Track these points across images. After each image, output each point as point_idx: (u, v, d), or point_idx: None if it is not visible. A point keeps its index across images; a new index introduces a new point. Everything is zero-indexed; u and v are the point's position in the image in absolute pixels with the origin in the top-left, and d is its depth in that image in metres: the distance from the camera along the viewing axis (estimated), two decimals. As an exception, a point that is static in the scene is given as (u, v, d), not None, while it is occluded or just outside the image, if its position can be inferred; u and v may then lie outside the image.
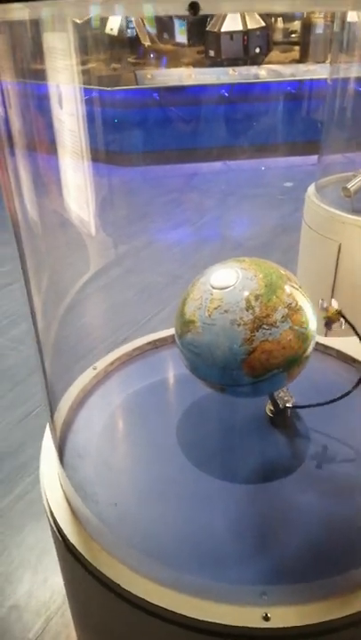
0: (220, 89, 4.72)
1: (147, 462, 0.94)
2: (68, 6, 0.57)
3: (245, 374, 0.81)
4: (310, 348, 0.86)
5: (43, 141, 0.89)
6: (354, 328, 0.92)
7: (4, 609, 1.61)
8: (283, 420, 1.01)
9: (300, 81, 4.82)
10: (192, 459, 0.92)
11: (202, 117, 4.82)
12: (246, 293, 0.81)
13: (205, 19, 6.22)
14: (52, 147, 0.81)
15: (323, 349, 1.21)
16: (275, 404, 1.00)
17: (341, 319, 0.93)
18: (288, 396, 1.03)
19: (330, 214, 1.91)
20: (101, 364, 1.15)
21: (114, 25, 5.96)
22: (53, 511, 0.85)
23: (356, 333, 0.93)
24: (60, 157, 0.81)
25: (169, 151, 4.61)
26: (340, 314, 0.92)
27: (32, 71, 0.79)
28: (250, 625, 0.67)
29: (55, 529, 0.85)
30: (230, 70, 4.72)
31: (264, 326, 0.79)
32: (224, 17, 5.90)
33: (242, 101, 4.77)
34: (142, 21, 6.43)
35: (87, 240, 1.16)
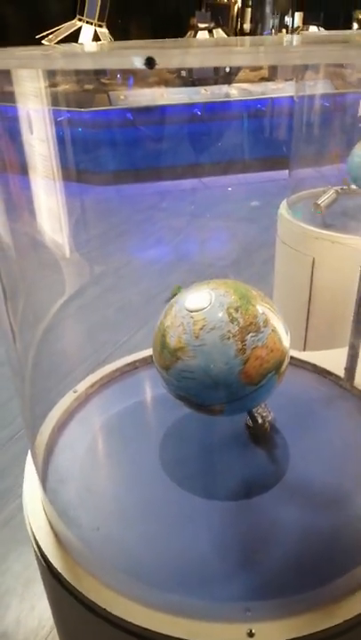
0: (192, 108, 4.81)
1: (129, 484, 0.95)
2: (35, 60, 0.60)
3: (244, 384, 0.83)
4: (289, 346, 0.89)
5: (14, 164, 0.91)
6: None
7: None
8: (262, 435, 1.02)
9: (269, 99, 4.94)
10: (174, 478, 0.93)
11: (175, 136, 4.89)
12: (226, 307, 0.83)
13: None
14: (23, 170, 0.83)
15: (299, 364, 1.23)
16: (253, 420, 1.01)
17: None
18: (266, 411, 1.05)
19: (302, 230, 1.96)
20: (82, 386, 1.15)
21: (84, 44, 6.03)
22: (37, 536, 0.85)
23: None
24: (31, 181, 0.83)
25: (143, 170, 4.66)
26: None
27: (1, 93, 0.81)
28: (235, 641, 0.68)
29: (39, 554, 0.85)
30: (202, 90, 4.81)
31: (251, 334, 0.82)
32: (195, 34, 6.04)
33: (214, 120, 4.86)
34: (114, 42, 6.52)
35: (62, 262, 1.17)
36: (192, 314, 0.84)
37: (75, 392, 1.14)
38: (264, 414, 1.05)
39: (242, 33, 9.10)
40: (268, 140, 4.61)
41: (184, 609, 0.72)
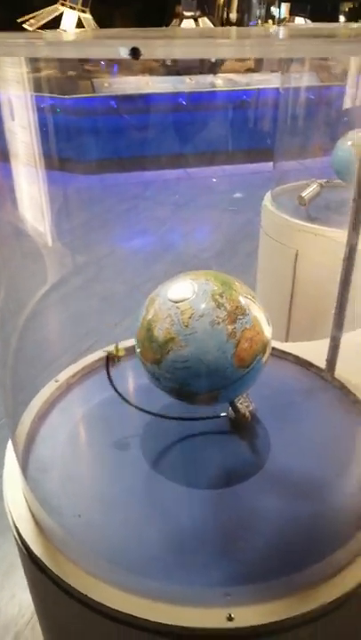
0: (177, 97, 4.78)
1: (110, 472, 0.95)
2: (19, 48, 0.59)
3: (237, 368, 0.85)
4: (270, 336, 0.91)
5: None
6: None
7: None
8: (243, 426, 1.03)
9: (255, 90, 4.93)
10: (155, 467, 0.94)
11: (160, 125, 4.86)
12: (210, 294, 0.85)
13: (166, 26, 6.28)
14: (4, 157, 0.82)
15: (281, 355, 1.24)
16: (235, 410, 1.02)
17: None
18: (248, 401, 1.06)
19: (286, 222, 1.97)
20: (63, 376, 1.15)
21: (67, 29, 5.94)
22: (17, 525, 0.85)
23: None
24: (13, 168, 0.82)
25: (127, 159, 4.62)
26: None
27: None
28: (214, 626, 0.69)
29: (20, 542, 0.85)
30: (187, 79, 4.78)
31: (239, 317, 0.84)
32: (180, 22, 5.99)
33: (199, 109, 4.83)
34: (96, 28, 6.43)
35: (44, 250, 1.16)
36: (178, 304, 0.85)
37: (56, 381, 1.14)
38: (245, 404, 1.06)
39: (228, 22, 9.04)
40: (252, 132, 4.61)
41: (164, 594, 0.73)
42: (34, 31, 5.96)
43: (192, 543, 0.81)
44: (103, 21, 6.69)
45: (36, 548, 0.81)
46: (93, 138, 4.87)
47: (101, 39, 0.78)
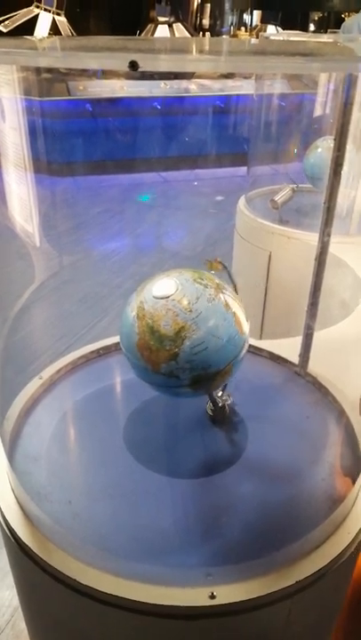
0: (152, 101, 4.83)
1: (95, 464, 0.99)
2: (17, 56, 0.62)
3: (239, 334, 0.91)
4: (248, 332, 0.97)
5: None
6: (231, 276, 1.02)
7: None
8: (222, 417, 1.08)
9: (228, 95, 5.01)
10: (139, 458, 0.98)
11: (134, 129, 4.90)
12: (192, 280, 0.90)
13: (139, 33, 6.32)
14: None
15: (256, 351, 1.30)
16: (214, 403, 1.07)
17: (221, 266, 1.02)
18: (226, 395, 1.11)
19: (260, 225, 2.03)
20: (47, 372, 1.18)
21: (42, 32, 5.93)
22: (5, 514, 0.88)
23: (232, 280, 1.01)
24: (2, 167, 0.85)
25: (102, 162, 4.65)
26: (221, 263, 1.02)
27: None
28: (197, 604, 0.73)
29: (7, 531, 0.88)
30: (162, 84, 4.83)
31: (223, 290, 0.92)
32: (154, 28, 6.04)
33: (173, 114, 4.89)
34: (71, 31, 6.43)
35: (16, 254, 1.18)
36: (171, 297, 0.88)
37: (40, 378, 1.17)
38: (224, 398, 1.11)
39: (201, 28, 9.15)
40: (226, 137, 4.68)
41: (149, 576, 0.76)
42: (9, 33, 5.93)
43: (174, 528, 0.85)
44: (78, 24, 6.71)
45: (24, 536, 0.84)
46: (67, 140, 4.87)
47: (89, 49, 0.82)
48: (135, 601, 0.74)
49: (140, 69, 0.46)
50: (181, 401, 1.09)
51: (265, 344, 1.32)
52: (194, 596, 0.74)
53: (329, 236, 1.07)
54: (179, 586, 0.75)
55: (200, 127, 5.00)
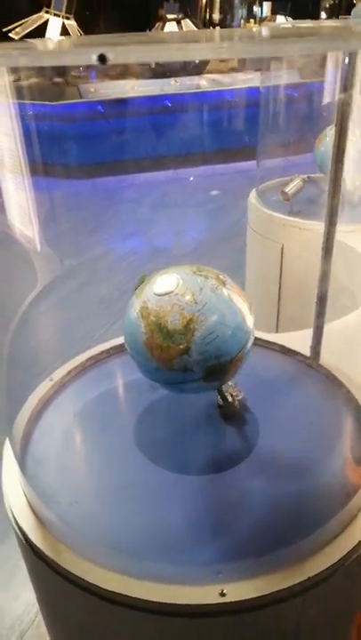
0: (163, 99, 4.82)
1: (105, 463, 0.99)
2: None
3: (245, 321, 0.90)
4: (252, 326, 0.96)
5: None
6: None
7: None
8: (233, 414, 1.07)
9: (239, 89, 4.97)
10: (149, 457, 0.97)
11: (147, 128, 4.90)
12: (192, 273, 0.90)
13: (149, 29, 6.31)
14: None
15: (268, 345, 1.28)
16: (224, 398, 1.06)
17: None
18: (237, 390, 1.10)
19: (271, 217, 2.01)
20: (58, 374, 1.18)
21: (52, 37, 5.98)
22: (17, 519, 0.89)
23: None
24: None
25: (116, 162, 4.66)
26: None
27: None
28: (208, 602, 0.73)
29: (21, 535, 0.88)
30: (172, 81, 4.82)
31: (224, 280, 0.91)
32: (163, 25, 6.03)
33: (185, 111, 4.87)
34: (81, 34, 6.46)
35: (34, 255, 1.19)
36: (174, 292, 0.88)
37: (51, 380, 1.17)
38: (234, 393, 1.09)
39: (211, 23, 9.10)
40: (238, 131, 4.65)
41: (158, 575, 0.76)
42: (20, 39, 6.00)
43: (185, 526, 0.85)
44: (88, 27, 6.74)
45: (35, 538, 0.84)
46: (81, 143, 4.90)
47: (77, 46, 0.82)
48: (144, 600, 0.74)
49: (108, 63, 0.46)
50: (191, 398, 1.09)
51: (277, 337, 1.30)
52: (204, 594, 0.74)
53: (334, 225, 1.05)
54: (189, 584, 0.75)
55: (212, 122, 4.97)
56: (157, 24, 6.08)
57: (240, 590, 0.74)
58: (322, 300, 1.16)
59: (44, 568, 0.85)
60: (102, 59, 0.45)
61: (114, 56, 0.46)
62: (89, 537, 0.83)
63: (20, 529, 0.89)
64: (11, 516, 0.92)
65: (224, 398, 1.06)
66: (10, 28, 5.89)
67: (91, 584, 0.77)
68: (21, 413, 1.08)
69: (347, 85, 0.92)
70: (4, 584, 1.71)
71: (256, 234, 2.15)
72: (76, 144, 4.82)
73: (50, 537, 0.85)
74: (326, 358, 1.20)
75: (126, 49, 0.54)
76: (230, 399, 1.07)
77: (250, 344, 0.93)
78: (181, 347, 0.86)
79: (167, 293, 0.87)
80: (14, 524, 0.91)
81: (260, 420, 1.06)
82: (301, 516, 0.85)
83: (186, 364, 0.87)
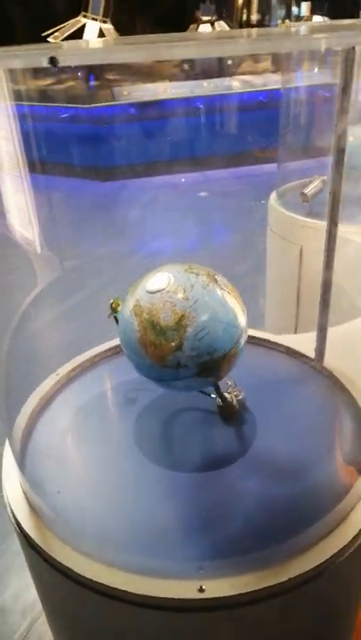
0: (194, 101, 4.84)
1: (101, 457, 1.01)
2: None
3: (237, 317, 0.91)
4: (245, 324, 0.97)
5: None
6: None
7: (-9, 614, 1.66)
8: (232, 414, 1.07)
9: (272, 90, 4.94)
10: (145, 452, 0.99)
11: (178, 130, 4.92)
12: (184, 270, 0.91)
13: (183, 31, 6.34)
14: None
15: (273, 346, 1.28)
16: (222, 398, 1.06)
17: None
18: (237, 390, 1.10)
19: (290, 219, 1.99)
20: (64, 369, 1.21)
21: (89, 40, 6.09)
22: (13, 507, 0.92)
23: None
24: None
25: (147, 164, 4.70)
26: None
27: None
28: (186, 597, 0.73)
29: (15, 523, 0.91)
30: (204, 83, 4.83)
31: (215, 277, 0.92)
32: (196, 29, 6.05)
33: (216, 112, 4.88)
34: (119, 37, 6.55)
35: (33, 257, 1.21)
36: (166, 289, 0.89)
37: (57, 375, 1.20)
38: (235, 393, 1.10)
39: (248, 24, 9.06)
40: (267, 132, 4.61)
41: (142, 568, 0.77)
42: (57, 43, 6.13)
43: (172, 521, 0.86)
44: (124, 29, 6.82)
45: (28, 527, 0.87)
46: (113, 145, 4.96)
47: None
48: (122, 590, 0.75)
49: (58, 65, 0.47)
50: (192, 397, 1.09)
51: (284, 339, 1.30)
52: (183, 589, 0.74)
53: (336, 225, 1.04)
54: (169, 578, 0.76)
55: (243, 123, 4.95)
56: (191, 26, 6.10)
57: (219, 587, 0.74)
58: (325, 302, 1.15)
59: (33, 554, 0.87)
60: (53, 61, 0.47)
61: (63, 59, 0.47)
62: (75, 525, 0.85)
63: (15, 517, 0.91)
64: (7, 503, 0.95)
65: (223, 398, 1.07)
66: (49, 32, 6.03)
67: (76, 573, 0.79)
68: (26, 405, 1.11)
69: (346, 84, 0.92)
70: (18, 571, 1.75)
71: (276, 235, 2.14)
72: (108, 146, 4.89)
73: (40, 524, 0.88)
74: (332, 361, 1.19)
75: (77, 52, 0.55)
76: (230, 399, 1.08)
77: (243, 341, 0.93)
78: (174, 343, 0.87)
79: (159, 291, 0.88)
80: (10, 511, 0.94)
81: (259, 421, 1.06)
82: (288, 518, 0.84)
83: (179, 360, 0.88)
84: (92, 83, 5.35)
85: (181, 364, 0.89)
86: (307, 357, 1.22)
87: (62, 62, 0.48)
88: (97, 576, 0.78)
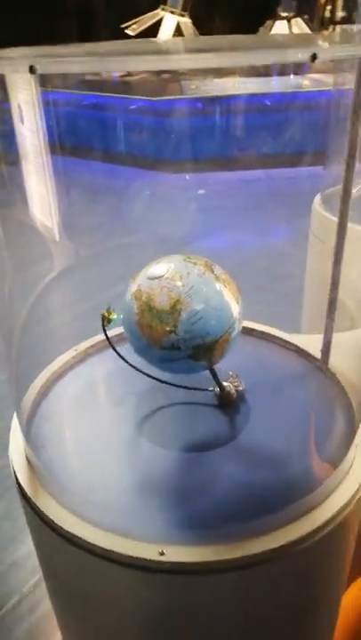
0: (262, 98, 4.83)
1: (99, 429, 1.09)
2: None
3: (231, 304, 0.97)
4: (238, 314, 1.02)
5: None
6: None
7: (4, 565, 1.80)
8: (228, 402, 1.12)
9: (341, 90, 4.83)
10: (141, 428, 1.07)
11: (243, 126, 4.93)
12: (183, 259, 0.98)
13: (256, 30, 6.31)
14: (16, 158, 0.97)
15: (284, 344, 1.31)
16: (220, 387, 1.12)
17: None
18: (237, 381, 1.15)
19: (333, 223, 1.98)
20: (81, 347, 1.30)
21: (165, 34, 6.18)
22: (15, 469, 1.01)
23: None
24: (23, 167, 0.97)
25: (210, 159, 4.75)
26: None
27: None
28: (147, 557, 0.80)
29: (15, 480, 1.01)
30: (274, 80, 4.80)
31: (212, 267, 0.99)
32: (272, 25, 6.01)
33: (283, 110, 4.84)
34: (195, 32, 6.61)
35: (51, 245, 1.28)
36: (164, 276, 0.96)
37: (75, 350, 1.29)
38: (235, 384, 1.15)
39: (332, 22, 8.84)
40: (335, 132, 4.52)
41: (117, 528, 0.85)
42: (135, 36, 6.28)
43: (149, 490, 0.93)
44: (202, 24, 6.86)
45: (24, 482, 0.97)
46: (180, 138, 5.04)
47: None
48: (96, 545, 0.83)
49: (37, 72, 0.54)
50: (195, 385, 1.15)
51: (297, 339, 1.33)
52: (146, 550, 0.81)
53: (344, 228, 1.07)
54: (135, 539, 0.83)
55: (310, 123, 4.88)
56: (267, 22, 6.06)
57: (177, 553, 0.80)
58: (331, 304, 1.17)
59: (28, 507, 0.97)
60: (32, 69, 0.54)
61: (42, 68, 0.54)
62: (63, 484, 0.94)
63: (15, 475, 1.01)
64: (11, 464, 1.05)
65: (221, 387, 1.12)
66: (127, 24, 6.19)
67: (58, 526, 0.88)
68: (41, 375, 1.21)
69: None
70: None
71: (318, 240, 2.14)
72: (174, 139, 4.97)
73: (35, 482, 0.97)
74: (338, 364, 1.21)
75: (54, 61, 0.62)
76: (228, 388, 1.13)
77: (236, 329, 0.98)
78: (168, 327, 0.94)
79: (158, 277, 0.95)
80: (12, 472, 1.03)
81: (253, 412, 1.10)
82: (256, 502, 0.89)
83: (173, 342, 0.95)
84: (164, 76, 5.45)
85: (175, 346, 0.95)
86: (314, 357, 1.25)
87: (40, 71, 0.55)
88: (74, 529, 0.86)
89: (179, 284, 0.93)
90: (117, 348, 1.11)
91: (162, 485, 0.94)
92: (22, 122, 0.88)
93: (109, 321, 1.06)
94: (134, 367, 1.09)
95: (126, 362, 1.10)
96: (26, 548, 1.83)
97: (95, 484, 0.95)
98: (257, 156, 4.65)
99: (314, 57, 0.67)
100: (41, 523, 0.92)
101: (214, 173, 4.76)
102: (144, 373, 1.09)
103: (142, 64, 0.85)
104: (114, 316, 1.05)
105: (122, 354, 1.10)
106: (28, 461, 1.02)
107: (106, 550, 0.82)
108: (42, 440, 1.06)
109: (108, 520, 0.87)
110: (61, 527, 0.87)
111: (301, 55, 0.69)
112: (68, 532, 0.86)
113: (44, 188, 0.96)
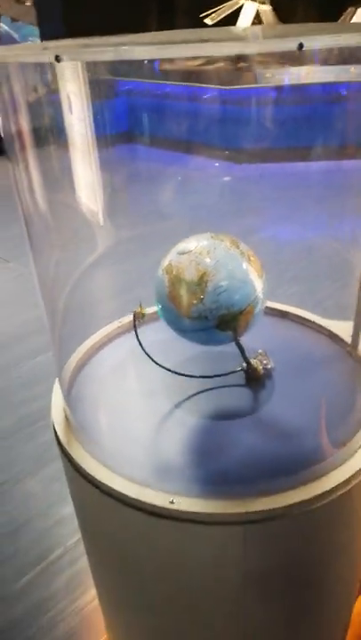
0: (338, 87, 4.71)
1: (134, 396, 1.20)
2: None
3: (257, 278, 1.05)
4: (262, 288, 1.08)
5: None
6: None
7: (51, 521, 1.97)
8: (256, 378, 1.19)
9: None
10: (169, 396, 1.16)
11: (318, 116, 4.85)
12: (210, 237, 1.06)
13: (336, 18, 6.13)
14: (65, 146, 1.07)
15: (318, 329, 1.35)
16: (248, 362, 1.18)
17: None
18: (266, 359, 1.21)
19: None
20: (124, 320, 1.41)
21: (245, 22, 6.16)
22: (55, 426, 1.13)
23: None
24: (71, 154, 1.07)
25: (283, 149, 4.72)
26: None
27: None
28: (158, 504, 0.90)
29: (55, 438, 1.12)
30: (351, 68, 4.66)
31: (238, 244, 1.06)
32: (354, 12, 5.81)
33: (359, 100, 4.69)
34: (276, 20, 6.53)
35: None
36: (193, 251, 1.04)
37: (119, 322, 1.40)
38: (264, 361, 1.21)
39: None
40: None
41: (134, 476, 0.95)
42: (213, 25, 6.30)
43: (169, 450, 1.02)
44: (285, 11, 6.76)
45: (64, 440, 1.08)
46: (252, 127, 5.03)
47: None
48: (119, 492, 0.94)
49: (62, 61, 0.62)
50: (225, 361, 1.21)
51: (332, 324, 1.36)
52: (159, 498, 0.91)
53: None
54: (151, 488, 0.93)
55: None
56: (349, 9, 5.87)
57: (187, 503, 0.89)
58: (362, 290, 1.20)
59: (65, 462, 1.08)
60: (57, 58, 0.62)
61: (68, 57, 0.62)
62: (97, 440, 1.05)
63: (56, 433, 1.13)
64: (52, 420, 1.17)
65: (248, 362, 1.19)
66: (206, 13, 6.22)
67: (92, 477, 0.99)
68: (85, 343, 1.33)
69: None
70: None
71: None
72: (246, 128, 4.97)
73: (72, 438, 1.08)
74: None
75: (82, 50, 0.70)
76: (255, 365, 1.19)
77: (260, 302, 1.05)
78: (197, 296, 1.02)
79: (187, 252, 1.03)
80: (52, 427, 1.15)
81: (278, 389, 1.16)
82: (270, 466, 0.96)
83: (201, 312, 1.03)
84: (240, 64, 5.43)
85: (202, 316, 1.04)
86: (346, 343, 1.28)
87: (66, 60, 0.63)
88: (102, 477, 0.97)
89: (206, 258, 1.01)
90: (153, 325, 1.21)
91: (183, 447, 1.03)
92: (71, 112, 0.99)
93: (142, 315, 1.16)
94: (165, 368, 1.19)
95: (156, 362, 1.19)
96: (71, 509, 1.98)
97: (124, 441, 1.06)
98: (335, 146, 4.55)
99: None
100: (75, 473, 1.03)
101: (288, 163, 4.72)
102: (176, 372, 1.19)
103: (189, 50, 0.90)
104: (145, 311, 1.15)
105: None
106: (67, 419, 1.14)
107: (127, 497, 0.92)
108: (79, 401, 1.17)
109: (131, 471, 0.96)
110: (93, 476, 0.98)
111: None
112: (97, 480, 0.97)
113: (89, 174, 1.06)
